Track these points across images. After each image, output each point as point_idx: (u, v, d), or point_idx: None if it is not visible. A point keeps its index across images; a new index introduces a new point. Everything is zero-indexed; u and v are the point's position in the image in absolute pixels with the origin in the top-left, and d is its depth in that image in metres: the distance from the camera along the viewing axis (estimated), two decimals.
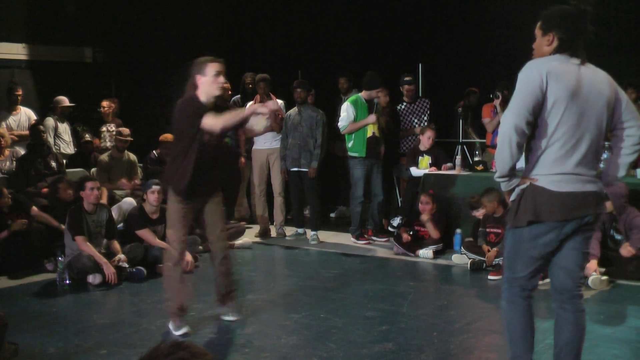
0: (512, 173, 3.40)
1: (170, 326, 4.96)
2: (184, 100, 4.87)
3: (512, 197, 3.47)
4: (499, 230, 6.74)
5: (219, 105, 4.99)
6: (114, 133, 8.79)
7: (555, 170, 3.32)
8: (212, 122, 4.68)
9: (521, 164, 3.46)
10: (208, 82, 4.78)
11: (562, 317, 3.54)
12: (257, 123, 4.89)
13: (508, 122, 3.28)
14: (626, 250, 6.12)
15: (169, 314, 5.02)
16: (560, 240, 3.41)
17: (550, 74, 3.25)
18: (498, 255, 6.52)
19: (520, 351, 3.55)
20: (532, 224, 3.37)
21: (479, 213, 7.03)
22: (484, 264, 6.66)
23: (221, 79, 4.82)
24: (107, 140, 9.07)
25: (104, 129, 9.20)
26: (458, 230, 7.30)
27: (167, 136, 8.72)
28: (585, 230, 3.43)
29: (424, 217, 7.36)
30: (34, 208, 7.18)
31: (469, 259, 6.75)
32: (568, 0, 3.41)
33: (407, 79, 8.75)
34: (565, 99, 3.25)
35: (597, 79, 3.38)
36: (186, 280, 5.24)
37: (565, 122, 3.27)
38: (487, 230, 6.86)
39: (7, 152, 8.29)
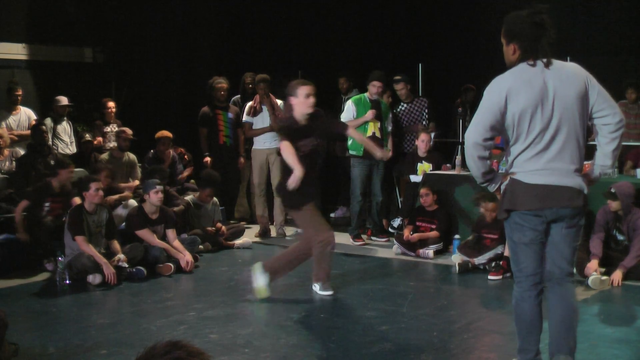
0: (488, 179, 3.66)
1: (318, 288, 5.84)
2: (283, 119, 5.81)
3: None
4: (495, 236, 6.70)
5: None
6: (117, 133, 8.78)
7: (529, 168, 3.53)
8: (284, 149, 5.56)
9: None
10: (299, 102, 5.58)
11: (551, 300, 3.71)
12: None
13: (468, 139, 3.59)
14: (616, 278, 6.06)
15: (320, 279, 5.85)
16: (546, 224, 3.58)
17: (510, 93, 3.45)
18: (494, 247, 6.56)
19: (525, 345, 3.75)
20: (513, 212, 3.59)
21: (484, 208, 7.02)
22: (469, 264, 6.64)
23: (311, 100, 5.58)
24: (111, 140, 9.07)
25: (109, 129, 9.21)
26: (457, 236, 7.25)
27: (163, 133, 8.70)
28: (568, 222, 3.57)
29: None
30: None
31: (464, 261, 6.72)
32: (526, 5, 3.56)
33: (395, 78, 8.72)
34: (531, 108, 3.44)
35: (563, 76, 3.49)
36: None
37: (533, 129, 3.47)
38: (483, 234, 6.85)
39: (6, 152, 8.29)
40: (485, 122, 3.50)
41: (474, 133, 3.53)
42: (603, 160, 3.61)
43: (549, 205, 3.51)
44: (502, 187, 3.65)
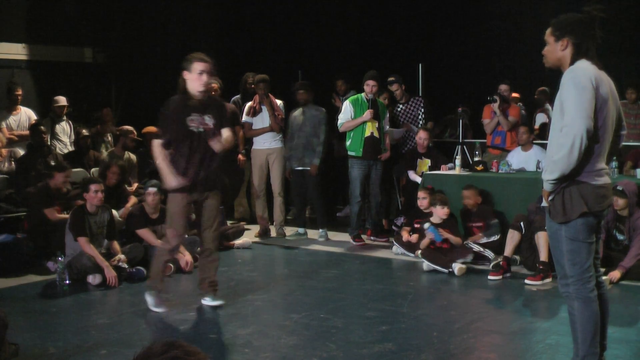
0: (564, 178, 3.58)
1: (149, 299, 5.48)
2: (172, 98, 5.27)
3: (551, 196, 3.68)
4: (481, 224, 6.90)
5: (206, 102, 5.23)
6: (124, 132, 8.76)
7: (595, 167, 3.57)
8: (155, 153, 5.19)
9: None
10: (192, 78, 5.16)
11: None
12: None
13: (580, 127, 3.41)
14: (613, 276, 6.03)
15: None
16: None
17: (596, 80, 3.48)
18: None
19: (593, 348, 3.70)
20: (583, 215, 3.60)
21: (437, 211, 6.97)
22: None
23: (204, 77, 5.15)
24: (108, 147, 9.11)
25: (106, 138, 9.26)
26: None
27: (151, 129, 8.68)
28: (602, 220, 3.76)
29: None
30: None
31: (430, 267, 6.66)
32: (579, 7, 3.65)
33: (389, 80, 8.77)
34: (606, 102, 3.52)
35: (612, 83, 3.66)
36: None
37: (604, 123, 3.54)
38: (470, 225, 6.93)
39: (4, 152, 8.27)
40: (591, 108, 3.44)
41: (586, 120, 3.41)
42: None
43: (609, 203, 3.68)
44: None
